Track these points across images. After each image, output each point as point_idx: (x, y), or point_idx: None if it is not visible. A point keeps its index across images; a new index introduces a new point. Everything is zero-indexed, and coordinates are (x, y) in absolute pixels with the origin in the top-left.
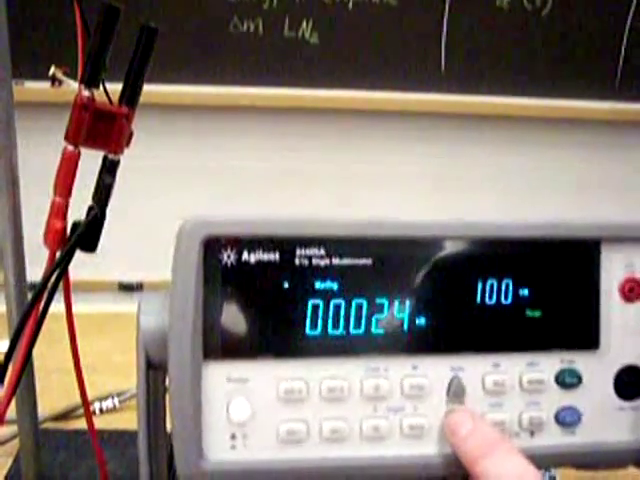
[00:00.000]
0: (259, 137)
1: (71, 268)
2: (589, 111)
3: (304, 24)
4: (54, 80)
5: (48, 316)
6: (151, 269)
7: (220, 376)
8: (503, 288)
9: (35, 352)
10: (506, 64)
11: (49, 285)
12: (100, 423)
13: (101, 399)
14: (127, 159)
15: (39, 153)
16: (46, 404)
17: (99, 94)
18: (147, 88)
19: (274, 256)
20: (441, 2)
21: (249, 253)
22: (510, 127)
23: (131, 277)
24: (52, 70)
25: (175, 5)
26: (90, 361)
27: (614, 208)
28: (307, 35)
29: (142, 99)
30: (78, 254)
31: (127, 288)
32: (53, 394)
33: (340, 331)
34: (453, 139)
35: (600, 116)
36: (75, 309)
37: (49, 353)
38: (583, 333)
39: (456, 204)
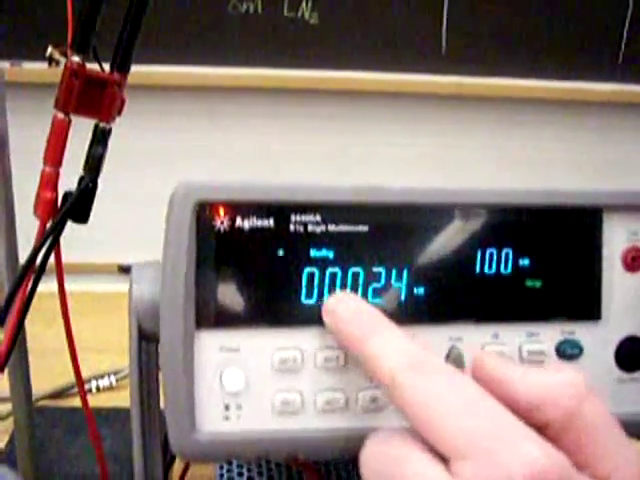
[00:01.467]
0: (259, 118)
1: (70, 250)
2: (592, 93)
3: (303, 4)
4: (51, 60)
5: (47, 295)
6: (151, 251)
7: (213, 345)
8: (503, 257)
9: (34, 331)
10: (507, 46)
11: (40, 256)
12: (97, 401)
13: (98, 377)
14: (127, 141)
15: (38, 134)
16: (44, 383)
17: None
18: (146, 69)
19: (269, 222)
20: None
21: (243, 219)
22: (512, 109)
23: (130, 259)
24: (49, 50)
25: None
26: (88, 340)
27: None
28: (307, 15)
29: (139, 80)
30: (77, 237)
31: (126, 270)
32: (52, 372)
33: None
34: (454, 120)
35: (602, 98)
36: (74, 290)
37: (48, 332)
38: (584, 303)
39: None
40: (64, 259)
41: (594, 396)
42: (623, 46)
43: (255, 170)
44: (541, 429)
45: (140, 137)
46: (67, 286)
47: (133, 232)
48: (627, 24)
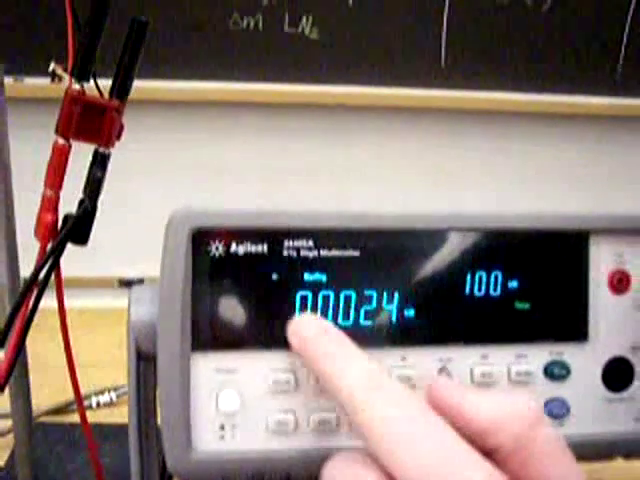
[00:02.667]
0: (259, 133)
1: (70, 264)
2: (590, 107)
3: (304, 20)
4: (54, 76)
5: (49, 311)
6: (151, 265)
7: (209, 367)
8: (492, 280)
9: (35, 347)
10: (507, 60)
11: (40, 278)
12: (97, 417)
13: (98, 393)
14: (127, 155)
15: (40, 149)
16: (46, 399)
17: (90, 89)
18: (146, 84)
19: (262, 248)
20: None
21: (237, 245)
22: (511, 123)
23: (131, 273)
24: (52, 66)
25: (174, 0)
26: (89, 356)
27: (614, 203)
28: (307, 31)
29: (142, 95)
30: (77, 251)
31: (127, 284)
32: (52, 388)
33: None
34: (453, 134)
35: (601, 112)
36: (75, 304)
37: (49, 348)
38: (572, 325)
39: (456, 200)
40: (66, 273)
41: (545, 423)
42: (621, 60)
43: (254, 185)
44: (491, 452)
45: (141, 151)
46: (69, 301)
47: (134, 246)
48: (625, 38)
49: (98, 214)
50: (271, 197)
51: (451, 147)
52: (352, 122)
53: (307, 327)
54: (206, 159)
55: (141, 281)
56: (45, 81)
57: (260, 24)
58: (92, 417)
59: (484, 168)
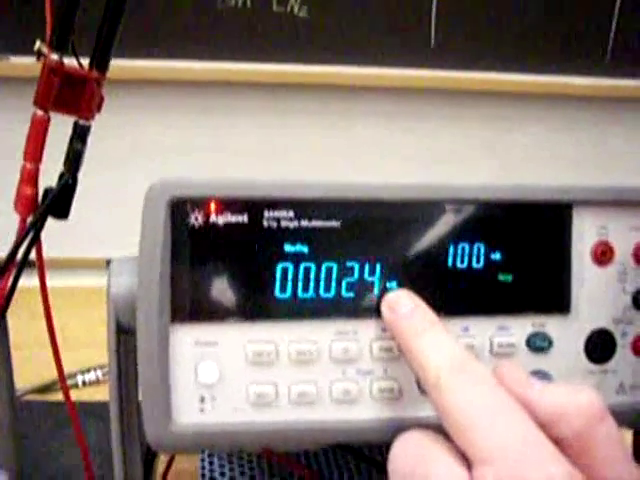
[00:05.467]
0: (248, 113)
1: (60, 245)
2: (580, 87)
3: None
4: (40, 55)
5: (36, 289)
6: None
7: (188, 339)
8: (475, 252)
9: (21, 325)
10: (496, 40)
11: (20, 252)
12: (83, 395)
13: (84, 372)
14: (114, 135)
15: (25, 129)
16: (32, 377)
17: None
18: (134, 64)
19: (242, 218)
20: None
21: (217, 215)
22: (501, 103)
23: (119, 254)
24: (38, 44)
25: None
26: (76, 334)
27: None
28: (296, 9)
29: (129, 75)
30: (67, 232)
31: None
32: (40, 366)
33: (310, 294)
34: (444, 115)
35: (591, 92)
36: (64, 284)
37: (37, 325)
38: (554, 297)
39: (447, 179)
40: (56, 254)
41: (607, 419)
42: (611, 41)
43: (243, 165)
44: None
45: (127, 132)
46: (56, 281)
47: (122, 227)
48: (615, 19)
49: (86, 195)
50: (259, 176)
51: (442, 127)
52: (341, 102)
53: (402, 303)
54: (194, 139)
55: None
56: (31, 60)
57: (248, 3)
58: (78, 395)
59: (475, 148)
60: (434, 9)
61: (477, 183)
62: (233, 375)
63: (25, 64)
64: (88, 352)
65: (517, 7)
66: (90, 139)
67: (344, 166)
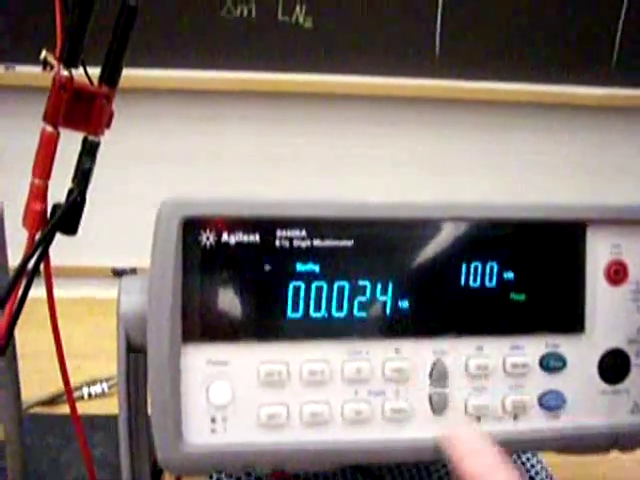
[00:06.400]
0: (252, 122)
1: (65, 254)
2: (585, 97)
3: (298, 8)
4: (45, 64)
5: (43, 300)
6: (144, 255)
7: (200, 359)
8: (488, 271)
9: (29, 337)
10: (501, 49)
11: (29, 267)
12: (89, 408)
13: (90, 384)
14: (123, 144)
15: (32, 138)
16: (38, 389)
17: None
18: (138, 73)
19: (254, 237)
20: None
21: (229, 234)
22: (505, 113)
23: (124, 263)
24: (43, 54)
25: None
26: (82, 346)
27: (608, 194)
28: (301, 19)
29: (134, 84)
30: (73, 241)
31: (120, 274)
32: (46, 379)
33: (322, 314)
34: (448, 124)
35: (595, 102)
36: (68, 294)
37: (43, 338)
38: (568, 317)
39: (450, 190)
40: (60, 262)
41: None
42: (616, 50)
43: (248, 174)
44: None
45: (135, 142)
46: (62, 291)
47: (128, 236)
48: (620, 28)
49: (94, 204)
50: (263, 185)
51: (445, 136)
52: (345, 111)
53: (465, 442)
54: (199, 148)
55: (134, 271)
56: (37, 69)
57: (253, 12)
58: (84, 408)
59: (478, 157)
60: (439, 19)
61: (490, 201)
62: (245, 396)
63: (30, 74)
64: (92, 363)
65: (522, 18)
66: None
67: (348, 175)
